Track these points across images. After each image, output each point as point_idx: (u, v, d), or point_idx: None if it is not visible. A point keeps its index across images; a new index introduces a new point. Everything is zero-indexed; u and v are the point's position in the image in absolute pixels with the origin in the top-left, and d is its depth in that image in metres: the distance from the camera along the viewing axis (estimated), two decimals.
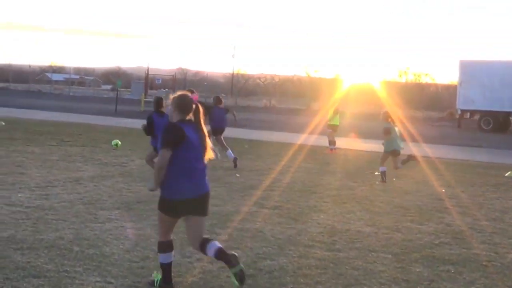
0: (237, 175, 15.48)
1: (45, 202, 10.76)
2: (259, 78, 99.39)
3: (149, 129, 12.91)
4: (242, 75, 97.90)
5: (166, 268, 6.52)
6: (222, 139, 17.68)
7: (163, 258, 6.53)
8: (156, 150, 12.39)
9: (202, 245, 6.40)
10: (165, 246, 6.50)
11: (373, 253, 8.51)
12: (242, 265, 6.31)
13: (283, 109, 58.22)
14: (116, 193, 12.05)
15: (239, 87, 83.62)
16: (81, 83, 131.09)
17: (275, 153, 21.46)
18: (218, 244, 6.37)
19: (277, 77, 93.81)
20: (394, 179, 16.04)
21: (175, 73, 75.30)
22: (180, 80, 75.62)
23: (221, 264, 6.82)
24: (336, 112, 23.98)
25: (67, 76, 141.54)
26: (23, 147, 18.96)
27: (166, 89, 58.88)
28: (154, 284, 6.56)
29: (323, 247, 8.73)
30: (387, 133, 15.45)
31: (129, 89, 77.03)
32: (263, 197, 12.49)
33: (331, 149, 23.12)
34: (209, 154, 6.41)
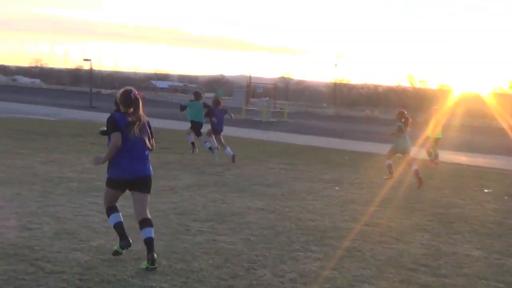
0: (336, 188, 14.90)
1: None
2: (362, 88, 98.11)
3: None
4: (345, 85, 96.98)
5: (118, 227, 7.51)
6: (222, 138, 19.11)
7: (112, 219, 7.53)
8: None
9: (142, 223, 7.53)
10: (111, 209, 7.62)
11: (483, 281, 7.76)
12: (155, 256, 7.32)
13: (386, 120, 56.92)
14: (210, 204, 11.75)
15: (341, 97, 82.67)
16: (184, 90, 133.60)
17: (376, 165, 20.69)
18: (151, 234, 7.42)
19: (380, 87, 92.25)
20: (505, 197, 15.02)
21: (276, 82, 75.23)
22: (282, 88, 75.52)
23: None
24: (438, 124, 22.90)
25: (171, 83, 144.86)
26: None
27: (267, 98, 58.86)
28: (117, 252, 7.51)
29: (427, 271, 8.06)
30: (399, 132, 16.20)
31: (231, 97, 77.63)
32: (362, 212, 11.88)
33: (435, 162, 22.10)
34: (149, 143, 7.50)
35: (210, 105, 19.51)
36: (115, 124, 7.30)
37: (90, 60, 57.06)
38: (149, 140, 7.63)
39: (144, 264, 7.33)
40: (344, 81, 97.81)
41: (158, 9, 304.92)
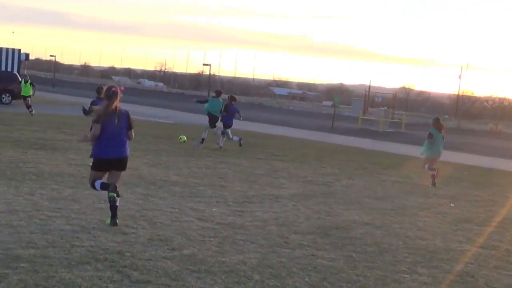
0: (452, 204, 13.96)
1: (238, 219, 10.20)
2: (487, 101, 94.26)
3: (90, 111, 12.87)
4: (469, 97, 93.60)
5: (104, 185, 8.99)
6: (229, 131, 21.78)
7: (98, 185, 9.04)
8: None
9: (110, 188, 8.89)
10: (94, 182, 9.08)
11: None
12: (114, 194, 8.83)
13: (510, 135, 54.15)
14: (314, 215, 11.21)
15: (464, 109, 79.72)
16: (303, 98, 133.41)
17: (498, 182, 19.43)
18: (117, 201, 8.89)
19: (507, 100, 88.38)
20: None
21: (395, 92, 73.50)
22: (401, 99, 73.67)
23: None
24: None
25: (290, 91, 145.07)
26: (232, 158, 18.89)
27: (385, 108, 57.52)
28: (113, 197, 8.90)
29: None
30: (429, 137, 17.38)
31: (349, 106, 76.59)
32: (478, 233, 10.96)
33: None
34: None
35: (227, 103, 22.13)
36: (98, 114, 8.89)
37: (209, 65, 57.81)
38: (128, 129, 9.09)
39: (108, 220, 8.99)
40: (468, 93, 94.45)
41: (280, 17, 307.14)
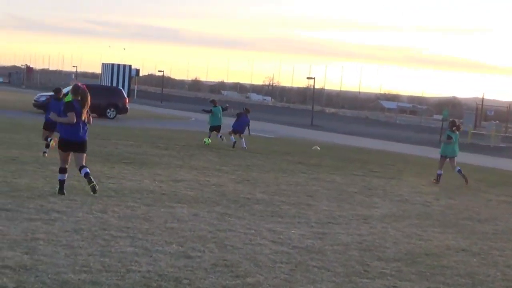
0: None
1: (317, 243, 9.38)
2: None
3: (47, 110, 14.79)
4: None
5: (61, 183, 11.29)
6: (243, 139, 24.35)
7: (60, 176, 11.33)
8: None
9: (80, 168, 11.36)
10: (62, 170, 11.36)
11: None
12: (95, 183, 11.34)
13: None
14: (403, 239, 10.22)
15: None
16: (413, 111, 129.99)
17: None
18: (87, 171, 11.33)
19: None
20: None
21: (510, 105, 70.03)
22: None
23: None
24: None
25: (399, 104, 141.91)
26: (325, 174, 18.05)
27: (497, 121, 54.77)
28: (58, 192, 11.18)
29: None
30: (448, 139, 18.72)
31: (461, 120, 73.72)
32: None
33: None
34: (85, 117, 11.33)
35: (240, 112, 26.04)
36: (72, 106, 11.33)
37: (313, 78, 57.11)
38: (87, 116, 11.51)
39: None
40: None
41: (386, 29, 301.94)
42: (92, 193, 11.29)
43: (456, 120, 19.97)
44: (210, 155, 20.50)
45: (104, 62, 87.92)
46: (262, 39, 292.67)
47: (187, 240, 8.75)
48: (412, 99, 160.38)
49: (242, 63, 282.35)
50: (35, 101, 37.99)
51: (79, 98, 11.36)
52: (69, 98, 11.57)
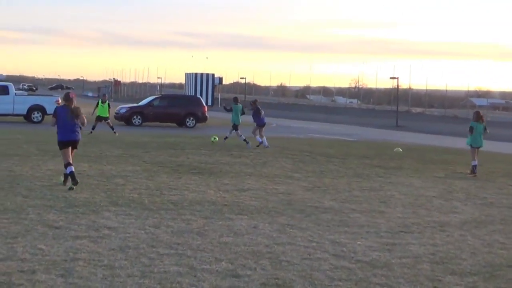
0: None
1: (384, 255, 8.52)
2: None
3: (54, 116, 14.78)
4: None
5: (71, 174, 12.64)
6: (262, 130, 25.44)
7: (68, 170, 12.75)
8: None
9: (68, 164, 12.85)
10: (67, 164, 12.81)
11: None
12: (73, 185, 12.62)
13: None
14: (483, 249, 9.21)
15: None
16: (506, 108, 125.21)
17: None
18: (72, 169, 12.73)
19: None
20: None
21: None
22: None
23: None
24: None
25: (491, 101, 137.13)
26: (404, 178, 17.03)
27: None
28: (68, 185, 12.69)
29: None
30: (470, 131, 19.03)
31: None
32: None
33: None
34: (80, 119, 13.05)
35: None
36: (55, 112, 13.33)
37: (397, 78, 55.56)
38: (79, 119, 13.05)
39: (60, 179, 13.33)
40: None
41: (471, 25, 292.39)
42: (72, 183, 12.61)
43: (479, 111, 20.14)
44: (284, 162, 19.81)
45: (187, 72, 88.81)
46: (344, 41, 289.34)
47: (239, 256, 8.09)
48: (505, 95, 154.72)
49: (326, 66, 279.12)
50: (116, 113, 38.32)
51: (68, 103, 13.03)
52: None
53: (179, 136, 28.98)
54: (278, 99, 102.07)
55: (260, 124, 25.55)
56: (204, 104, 40.39)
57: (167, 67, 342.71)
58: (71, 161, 12.87)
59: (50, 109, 35.33)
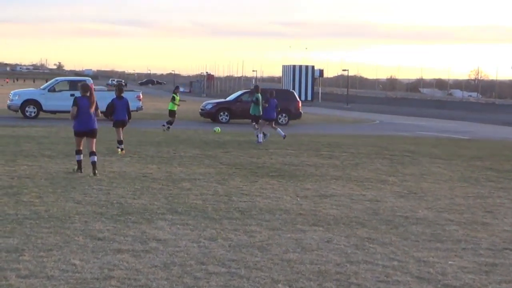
0: None
1: (479, 279, 7.68)
2: None
3: (109, 110, 18.24)
4: None
5: (79, 162, 14.62)
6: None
7: (77, 157, 14.67)
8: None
9: (90, 153, 14.54)
10: (78, 151, 14.65)
11: None
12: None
13: None
14: None
15: None
16: None
17: None
18: (95, 159, 14.59)
19: None
20: None
21: None
22: None
23: None
24: None
25: None
26: None
27: None
28: (74, 171, 14.72)
29: None
30: None
31: None
32: None
33: None
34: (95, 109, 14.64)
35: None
36: (76, 102, 14.51)
37: None
38: (95, 110, 14.66)
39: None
40: None
41: None
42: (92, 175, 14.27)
43: None
44: (380, 163, 18.96)
45: (285, 64, 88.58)
46: (460, 28, 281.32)
47: (301, 277, 7.45)
48: None
49: (440, 57, 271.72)
50: (201, 109, 38.31)
51: (88, 94, 14.60)
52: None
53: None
54: (385, 93, 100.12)
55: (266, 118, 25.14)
56: (298, 99, 39.80)
57: (263, 60, 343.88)
58: (81, 148, 14.64)
59: (132, 105, 35.72)
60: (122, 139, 19.27)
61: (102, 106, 34.63)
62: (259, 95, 25.72)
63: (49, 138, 22.16)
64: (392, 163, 19.22)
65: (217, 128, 27.36)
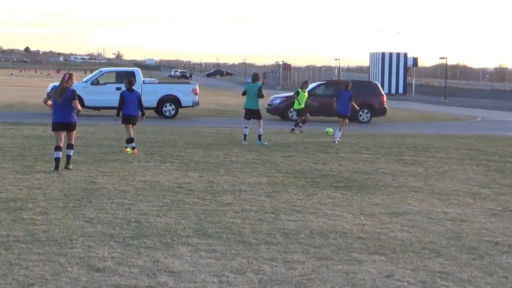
0: None
1: None
2: None
3: (120, 103, 19.19)
4: None
5: (56, 160, 15.61)
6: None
7: (56, 154, 15.68)
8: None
9: (68, 146, 15.91)
10: (56, 148, 15.77)
11: None
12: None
13: None
14: None
15: None
16: None
17: None
18: (70, 153, 15.98)
19: None
20: None
21: None
22: None
23: None
24: None
25: None
26: None
27: None
28: (53, 171, 15.51)
29: None
30: None
31: None
32: None
33: None
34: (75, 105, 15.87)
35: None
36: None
37: None
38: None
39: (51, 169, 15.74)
40: None
41: None
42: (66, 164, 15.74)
43: None
44: (473, 171, 17.81)
45: (373, 51, 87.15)
46: None
47: None
48: None
49: None
50: (268, 104, 37.48)
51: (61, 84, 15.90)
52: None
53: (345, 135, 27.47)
54: (491, 85, 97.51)
55: None
56: (383, 92, 38.57)
57: (347, 47, 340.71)
58: (61, 145, 15.73)
59: (186, 100, 35.36)
60: (132, 136, 19.25)
61: (154, 101, 34.64)
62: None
63: (82, 140, 21.70)
64: (489, 171, 18.04)
65: (329, 129, 26.27)
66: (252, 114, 23.02)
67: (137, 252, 9.04)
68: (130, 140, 19.20)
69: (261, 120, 23.11)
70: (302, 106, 28.92)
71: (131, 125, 19.26)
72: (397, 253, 9.45)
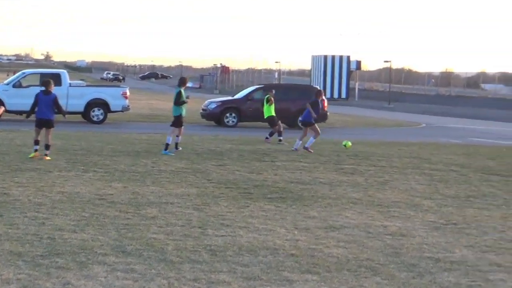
0: None
1: None
2: None
3: (33, 105, 19.79)
4: None
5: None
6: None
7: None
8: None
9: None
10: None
11: None
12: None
13: None
14: None
15: None
16: None
17: None
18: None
19: None
20: None
21: None
22: None
23: None
24: None
25: None
26: None
27: None
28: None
29: None
30: None
31: None
32: None
33: None
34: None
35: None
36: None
37: None
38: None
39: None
40: None
41: None
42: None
43: None
44: (416, 181, 17.83)
45: (315, 54, 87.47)
46: None
47: None
48: None
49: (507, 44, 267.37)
50: (203, 109, 37.10)
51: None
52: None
53: (276, 143, 27.26)
54: (437, 90, 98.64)
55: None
56: (324, 97, 38.43)
57: (289, 49, 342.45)
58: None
59: (115, 105, 34.77)
60: (50, 143, 19.22)
61: (80, 106, 34.01)
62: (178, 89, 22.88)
63: (0, 147, 21.09)
64: (432, 180, 18.00)
65: (347, 142, 25.20)
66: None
67: (46, 273, 8.59)
68: (36, 142, 19.25)
69: (174, 128, 22.42)
70: (272, 113, 28.00)
71: (43, 129, 19.22)
72: (331, 271, 9.18)
